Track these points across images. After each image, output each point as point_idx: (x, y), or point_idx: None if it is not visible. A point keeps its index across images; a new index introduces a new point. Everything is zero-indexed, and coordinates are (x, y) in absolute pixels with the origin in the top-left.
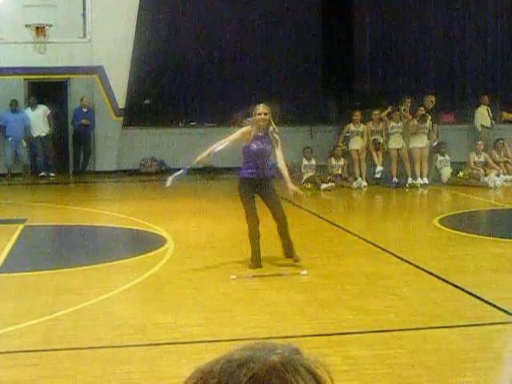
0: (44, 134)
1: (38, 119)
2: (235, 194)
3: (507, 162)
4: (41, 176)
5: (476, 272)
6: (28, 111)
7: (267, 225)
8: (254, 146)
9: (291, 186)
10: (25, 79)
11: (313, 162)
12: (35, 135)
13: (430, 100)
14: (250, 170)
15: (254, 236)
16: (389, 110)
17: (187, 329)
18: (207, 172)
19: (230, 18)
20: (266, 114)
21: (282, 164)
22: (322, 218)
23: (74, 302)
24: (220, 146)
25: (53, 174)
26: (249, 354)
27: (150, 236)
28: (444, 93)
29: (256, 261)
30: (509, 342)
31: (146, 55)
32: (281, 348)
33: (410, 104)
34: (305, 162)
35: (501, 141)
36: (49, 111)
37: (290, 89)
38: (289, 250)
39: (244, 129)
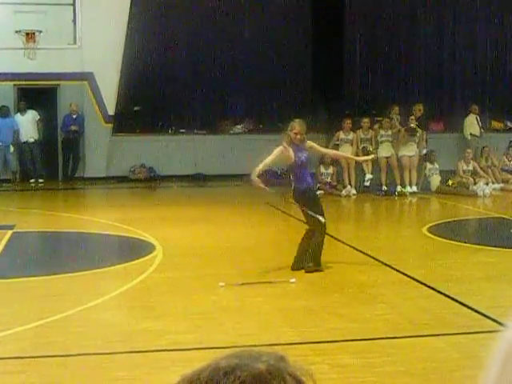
0: (32, 140)
1: (27, 124)
2: (227, 201)
3: (493, 166)
4: (31, 183)
5: (464, 280)
6: (17, 116)
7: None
8: (302, 157)
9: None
10: (14, 85)
11: None
12: (23, 140)
13: (418, 109)
14: (309, 180)
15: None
16: (378, 125)
17: (175, 336)
18: (197, 179)
19: (220, 26)
20: (301, 134)
21: (335, 152)
22: None
23: (62, 308)
24: (262, 166)
25: (41, 180)
26: (235, 362)
27: (139, 243)
28: (433, 101)
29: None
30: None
31: (136, 62)
32: (266, 356)
33: (398, 111)
34: None
35: (486, 148)
36: (38, 116)
37: (280, 97)
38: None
39: (278, 149)
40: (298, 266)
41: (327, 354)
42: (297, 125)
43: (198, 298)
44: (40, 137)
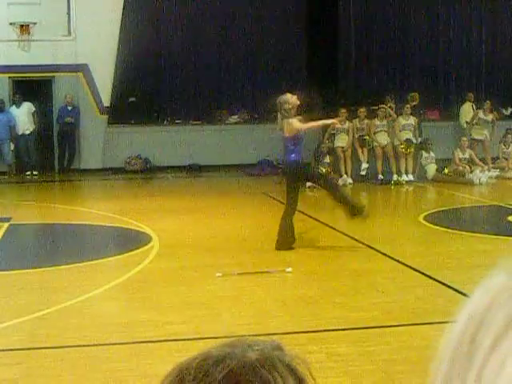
0: (28, 132)
1: (23, 116)
2: (223, 191)
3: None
4: (27, 175)
5: (461, 268)
6: (13, 109)
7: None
8: (302, 132)
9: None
10: (9, 77)
11: None
12: (20, 133)
13: (413, 97)
14: (301, 154)
15: (291, 220)
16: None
17: (172, 326)
18: (193, 170)
19: (215, 16)
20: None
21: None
22: (307, 215)
23: (59, 300)
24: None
25: (36, 173)
26: (227, 351)
27: (135, 234)
28: (429, 90)
29: (289, 242)
30: None
31: (130, 53)
32: (261, 344)
33: (393, 100)
34: None
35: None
36: (33, 108)
37: (275, 86)
38: None
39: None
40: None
41: (324, 342)
42: (295, 98)
43: (195, 288)
44: (36, 129)
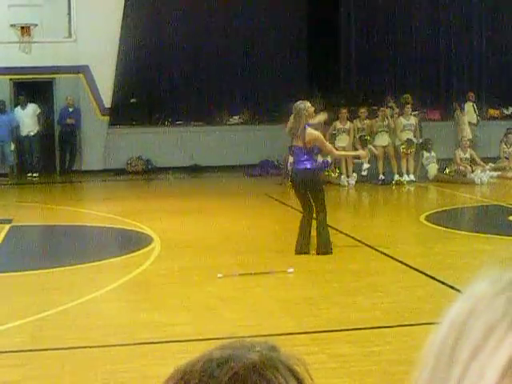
0: (33, 134)
1: (28, 118)
2: (225, 192)
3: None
4: (28, 176)
5: (462, 268)
6: (18, 110)
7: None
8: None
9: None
10: (10, 79)
11: None
12: (24, 134)
13: (406, 99)
14: (316, 162)
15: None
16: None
17: (173, 327)
18: (194, 170)
19: (216, 17)
20: None
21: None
22: None
23: (61, 301)
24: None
25: (37, 174)
26: (228, 353)
27: (137, 235)
28: (430, 90)
29: (329, 246)
30: None
31: (131, 54)
32: (259, 346)
33: (394, 100)
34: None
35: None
36: (39, 110)
37: (276, 87)
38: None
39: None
40: (301, 250)
41: (326, 343)
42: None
43: (197, 289)
44: (40, 130)
